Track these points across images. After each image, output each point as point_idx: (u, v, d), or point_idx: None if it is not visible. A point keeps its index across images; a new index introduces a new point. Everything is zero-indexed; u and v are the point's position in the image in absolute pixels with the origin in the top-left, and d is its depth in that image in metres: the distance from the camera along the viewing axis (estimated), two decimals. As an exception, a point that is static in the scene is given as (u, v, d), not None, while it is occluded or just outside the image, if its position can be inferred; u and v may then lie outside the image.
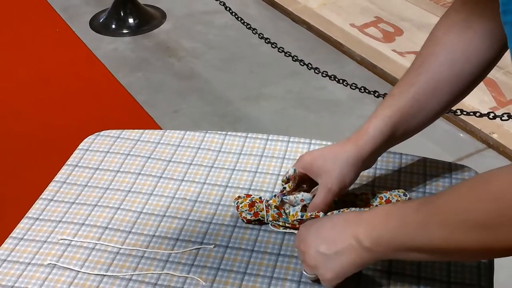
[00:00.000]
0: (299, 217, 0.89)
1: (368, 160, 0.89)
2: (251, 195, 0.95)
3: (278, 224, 0.92)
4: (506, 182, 0.60)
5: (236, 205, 0.94)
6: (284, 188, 0.91)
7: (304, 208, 0.90)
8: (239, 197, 0.95)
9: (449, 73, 0.86)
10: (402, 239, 0.72)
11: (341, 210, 0.88)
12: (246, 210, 0.92)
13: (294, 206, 0.91)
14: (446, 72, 0.86)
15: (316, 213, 0.87)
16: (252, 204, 0.92)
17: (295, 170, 0.90)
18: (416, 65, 0.89)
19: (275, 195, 0.92)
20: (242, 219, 0.93)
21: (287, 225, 0.91)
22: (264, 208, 0.91)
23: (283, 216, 0.91)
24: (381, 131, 0.87)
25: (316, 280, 0.82)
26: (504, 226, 0.60)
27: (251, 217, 0.92)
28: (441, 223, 0.67)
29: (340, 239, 0.76)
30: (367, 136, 0.88)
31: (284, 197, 0.91)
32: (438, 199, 0.69)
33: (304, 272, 0.83)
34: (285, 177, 0.90)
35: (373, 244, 0.73)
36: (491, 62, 0.86)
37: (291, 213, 0.90)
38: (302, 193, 0.92)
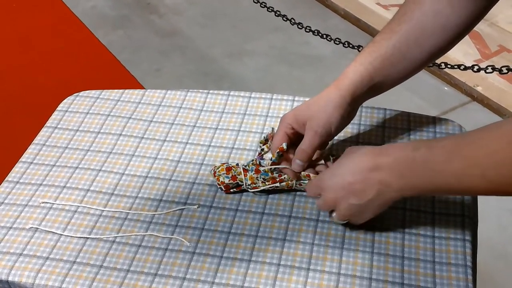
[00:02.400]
0: (274, 159, 0.86)
1: (351, 106, 0.87)
2: (228, 163, 0.93)
3: (258, 186, 0.90)
4: None
5: (213, 172, 0.92)
6: (262, 149, 0.89)
7: (279, 156, 0.87)
8: (215, 166, 0.93)
9: (434, 23, 0.84)
10: (436, 186, 0.72)
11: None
12: (223, 174, 0.90)
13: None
14: (431, 22, 0.84)
15: (280, 147, 0.85)
16: (229, 169, 0.90)
17: (272, 129, 0.89)
18: (399, 14, 0.87)
19: (252, 160, 0.91)
20: (220, 187, 0.91)
21: (267, 183, 0.89)
22: (242, 171, 0.90)
23: (261, 172, 0.89)
24: (361, 75, 0.86)
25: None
26: None
27: (229, 181, 0.90)
28: (480, 176, 0.66)
29: (368, 188, 0.76)
30: (347, 80, 0.86)
31: (262, 160, 0.89)
32: (471, 150, 0.67)
33: (333, 219, 0.83)
34: (262, 138, 0.89)
35: (403, 188, 0.74)
36: (478, 14, 0.84)
37: (267, 168, 0.88)
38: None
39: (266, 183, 0.89)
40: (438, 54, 0.88)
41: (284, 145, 0.85)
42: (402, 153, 0.73)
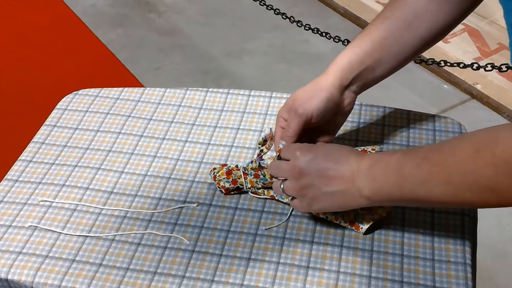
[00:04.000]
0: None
1: (339, 89, 0.85)
2: (227, 164, 0.92)
3: (258, 191, 0.90)
4: None
5: (213, 175, 0.91)
6: (262, 150, 0.89)
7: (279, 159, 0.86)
8: (214, 168, 0.92)
9: (426, 8, 0.84)
10: (403, 193, 0.71)
11: None
12: (224, 179, 0.90)
13: None
14: (423, 7, 0.84)
15: (278, 149, 0.84)
16: (229, 172, 0.90)
17: (270, 129, 0.89)
18: (392, 1, 0.87)
19: (252, 161, 0.90)
20: (220, 190, 0.91)
21: (266, 187, 0.89)
22: (242, 175, 0.89)
23: (260, 177, 0.88)
24: (349, 58, 0.85)
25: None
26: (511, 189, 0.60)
27: (230, 185, 0.89)
28: (445, 182, 0.66)
29: (340, 179, 0.75)
30: (335, 65, 0.85)
31: (262, 161, 0.89)
32: (440, 157, 0.67)
33: (281, 191, 0.80)
34: (261, 139, 0.88)
35: (373, 195, 0.74)
36: (472, 1, 0.84)
37: (266, 172, 0.87)
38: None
39: (266, 186, 0.89)
40: (432, 41, 0.87)
41: (281, 146, 0.85)
42: (379, 158, 0.73)
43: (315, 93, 0.84)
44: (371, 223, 0.83)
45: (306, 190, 0.77)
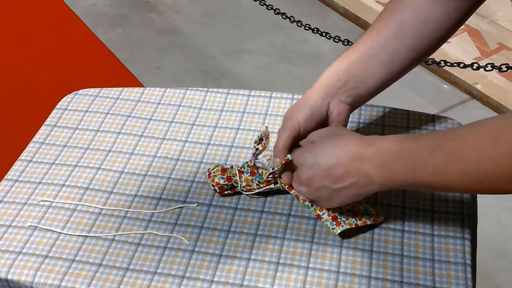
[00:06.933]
0: (271, 171, 0.85)
1: (324, 98, 0.85)
2: (222, 165, 0.92)
3: (252, 188, 0.89)
4: None
5: (208, 173, 0.90)
6: (257, 149, 0.88)
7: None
8: (209, 168, 0.92)
9: (413, 17, 0.84)
10: (416, 179, 0.70)
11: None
12: (218, 175, 0.89)
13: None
14: (410, 16, 0.84)
15: (285, 159, 0.83)
16: (224, 170, 0.89)
17: (266, 127, 0.89)
18: (381, 12, 0.87)
19: (247, 162, 0.90)
20: (214, 188, 0.90)
21: (261, 185, 0.88)
22: (237, 173, 0.89)
23: (256, 175, 0.88)
24: (335, 69, 0.85)
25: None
26: None
27: (224, 181, 0.88)
28: (462, 172, 0.65)
29: (347, 175, 0.75)
30: (321, 77, 0.86)
31: (257, 160, 0.88)
32: (454, 145, 0.66)
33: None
34: (257, 137, 0.88)
35: (385, 181, 0.73)
36: (463, 11, 0.83)
37: (263, 172, 0.87)
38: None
39: (261, 185, 0.88)
40: (424, 50, 0.86)
41: (289, 156, 0.83)
42: (387, 144, 0.72)
43: (300, 104, 0.85)
44: (352, 226, 0.83)
45: (320, 192, 0.78)
